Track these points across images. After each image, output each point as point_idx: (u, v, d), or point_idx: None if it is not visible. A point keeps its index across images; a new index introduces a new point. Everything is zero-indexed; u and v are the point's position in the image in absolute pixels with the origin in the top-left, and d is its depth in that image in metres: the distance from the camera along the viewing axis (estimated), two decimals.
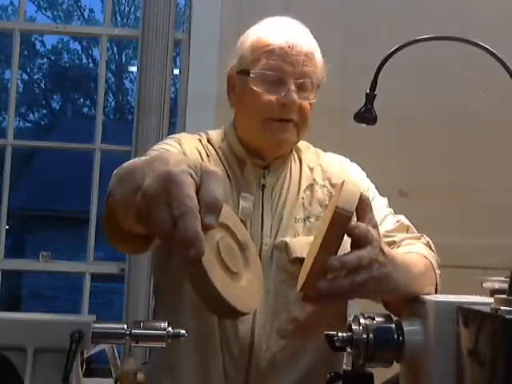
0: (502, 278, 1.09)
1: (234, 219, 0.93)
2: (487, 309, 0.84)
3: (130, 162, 1.02)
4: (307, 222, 1.38)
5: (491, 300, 0.87)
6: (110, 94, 16.34)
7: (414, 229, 1.41)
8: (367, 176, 1.53)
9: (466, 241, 2.46)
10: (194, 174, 0.78)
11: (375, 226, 1.05)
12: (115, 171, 1.06)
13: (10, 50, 2.85)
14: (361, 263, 0.99)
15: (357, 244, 1.01)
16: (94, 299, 3.10)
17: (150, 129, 2.57)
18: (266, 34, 1.38)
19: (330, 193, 1.41)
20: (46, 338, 0.99)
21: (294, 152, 1.47)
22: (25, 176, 12.63)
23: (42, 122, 17.12)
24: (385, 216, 1.40)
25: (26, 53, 15.20)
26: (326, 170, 1.47)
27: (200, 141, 1.45)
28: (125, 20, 16.66)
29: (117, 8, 16.02)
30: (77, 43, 16.76)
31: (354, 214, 1.01)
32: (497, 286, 1.10)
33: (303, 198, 1.40)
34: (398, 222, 1.40)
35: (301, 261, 1.28)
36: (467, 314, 0.89)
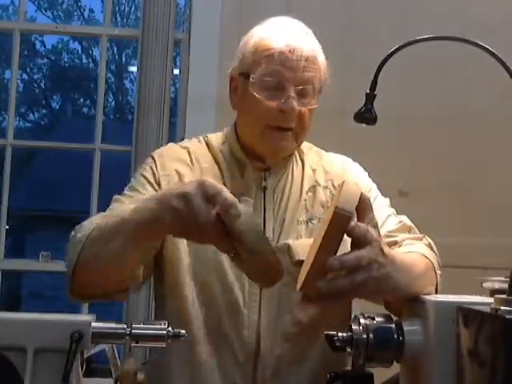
0: (502, 278, 1.09)
1: None
2: (487, 309, 0.84)
3: (95, 224, 1.19)
4: (310, 223, 1.38)
5: (491, 300, 0.87)
6: (110, 94, 16.35)
7: (416, 229, 1.41)
8: (369, 176, 1.53)
9: (466, 241, 2.46)
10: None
11: (375, 227, 1.05)
12: (79, 237, 1.20)
13: (10, 50, 2.85)
14: (360, 263, 1.00)
15: (356, 244, 1.01)
16: None
17: (150, 129, 2.56)
18: (267, 36, 1.35)
19: (333, 194, 1.41)
20: (46, 338, 0.99)
21: (295, 153, 1.46)
22: (25, 176, 12.63)
23: (41, 122, 17.12)
24: (387, 216, 1.40)
25: (25, 53, 15.20)
26: (328, 171, 1.46)
27: (188, 152, 1.42)
28: (125, 20, 16.66)
29: (117, 8, 16.03)
30: (77, 43, 16.77)
31: (355, 214, 1.01)
32: (497, 286, 1.10)
33: (305, 200, 1.40)
34: (400, 222, 1.40)
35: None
36: (467, 314, 0.89)
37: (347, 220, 0.98)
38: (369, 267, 1.00)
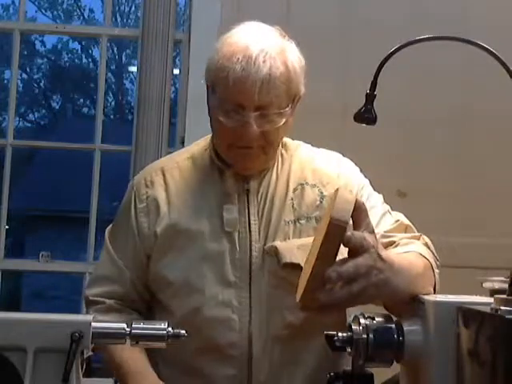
0: (502, 278, 1.09)
1: None
2: (487, 309, 0.84)
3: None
4: (297, 223, 1.36)
5: (491, 300, 0.87)
6: (110, 94, 16.34)
7: (413, 228, 1.39)
8: (361, 171, 1.50)
9: (466, 241, 2.46)
10: None
11: (372, 232, 1.05)
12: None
13: (10, 50, 2.85)
14: (358, 272, 1.00)
15: (354, 252, 1.02)
16: None
17: (150, 129, 2.56)
18: (228, 55, 1.29)
19: (321, 192, 1.39)
20: (46, 337, 0.99)
21: (281, 152, 1.44)
22: (25, 176, 12.63)
23: (41, 122, 17.12)
24: (382, 215, 1.39)
25: (25, 53, 15.20)
26: (317, 168, 1.43)
27: (163, 172, 1.43)
28: (125, 20, 16.66)
29: (117, 8, 16.03)
30: (76, 43, 16.77)
31: (350, 222, 1.01)
32: (497, 286, 1.10)
33: (292, 199, 1.38)
34: (397, 221, 1.38)
35: (292, 266, 1.29)
36: (467, 314, 0.89)
37: (343, 230, 0.98)
38: (367, 274, 1.01)
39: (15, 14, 4.82)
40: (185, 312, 1.32)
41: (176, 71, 2.90)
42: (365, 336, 0.99)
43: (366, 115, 1.28)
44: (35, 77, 17.03)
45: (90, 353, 1.03)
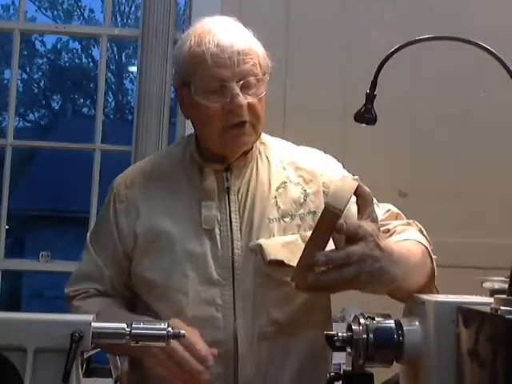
0: (502, 278, 1.09)
1: None
2: (487, 309, 0.84)
3: None
4: (282, 221, 1.37)
5: (491, 300, 0.87)
6: (110, 94, 16.35)
7: (403, 215, 1.41)
8: (344, 167, 1.52)
9: (466, 241, 2.46)
10: None
11: (374, 220, 1.06)
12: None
13: (10, 50, 2.85)
14: (350, 259, 1.01)
15: (350, 240, 1.02)
16: None
17: (150, 129, 2.57)
18: (197, 42, 1.35)
19: (305, 190, 1.40)
20: (46, 338, 0.99)
21: (259, 150, 1.45)
22: (25, 176, 12.63)
23: (41, 122, 17.12)
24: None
25: (25, 53, 15.20)
26: (299, 166, 1.44)
27: (143, 173, 1.45)
28: (125, 20, 16.66)
29: (117, 8, 16.03)
30: (77, 43, 16.77)
31: (346, 209, 1.01)
32: (497, 286, 1.10)
33: (275, 197, 1.38)
34: (388, 211, 1.39)
35: (276, 263, 1.30)
36: (467, 314, 0.89)
37: (336, 217, 0.99)
38: (360, 262, 1.01)
39: (15, 14, 4.82)
40: (169, 313, 1.31)
41: None
42: (365, 336, 0.99)
43: (366, 115, 1.28)
44: (35, 77, 17.04)
45: (91, 352, 1.03)
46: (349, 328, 1.01)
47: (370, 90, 1.27)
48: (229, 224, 1.36)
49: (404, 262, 1.08)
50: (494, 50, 1.19)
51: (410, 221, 1.37)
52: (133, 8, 16.49)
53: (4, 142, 2.79)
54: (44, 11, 16.94)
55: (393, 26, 2.54)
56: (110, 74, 16.15)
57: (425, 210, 2.49)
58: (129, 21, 16.50)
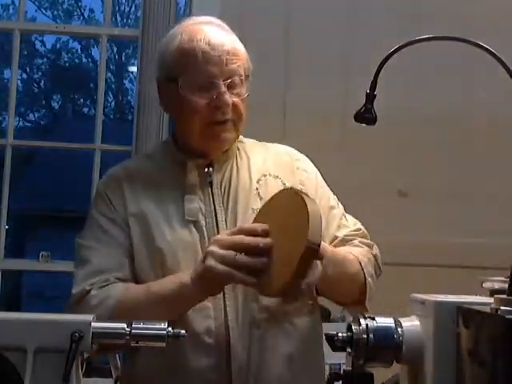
0: (502, 278, 1.09)
1: None
2: (487, 309, 0.84)
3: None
4: None
5: (491, 300, 0.87)
6: (110, 94, 16.35)
7: (368, 236, 1.52)
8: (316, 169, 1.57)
9: (466, 241, 2.46)
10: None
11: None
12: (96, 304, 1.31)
13: (10, 50, 2.84)
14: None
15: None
16: None
17: (150, 129, 2.56)
18: (187, 39, 1.39)
19: (284, 184, 1.44)
20: (46, 337, 0.99)
21: (238, 148, 1.49)
22: (25, 176, 12.63)
23: (41, 122, 17.12)
24: (342, 215, 1.51)
25: (25, 53, 15.20)
26: (277, 161, 1.50)
27: (126, 172, 1.47)
28: (125, 20, 16.66)
29: (117, 8, 16.03)
30: (77, 43, 16.77)
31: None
32: (497, 286, 1.10)
33: (257, 189, 1.43)
34: (359, 230, 1.51)
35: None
36: (467, 314, 0.89)
37: (316, 251, 1.17)
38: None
39: (15, 14, 4.82)
40: None
41: None
42: (365, 336, 0.99)
43: (366, 115, 1.29)
44: (35, 77, 17.04)
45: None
46: (349, 328, 1.02)
47: (369, 89, 1.27)
48: (214, 216, 1.39)
49: (338, 265, 1.33)
50: (493, 50, 1.19)
51: (372, 243, 1.51)
52: (133, 8, 16.50)
53: (4, 141, 2.79)
54: (44, 11, 16.95)
55: (393, 25, 2.54)
56: (109, 74, 16.15)
57: (425, 209, 2.50)
58: (129, 21, 16.50)
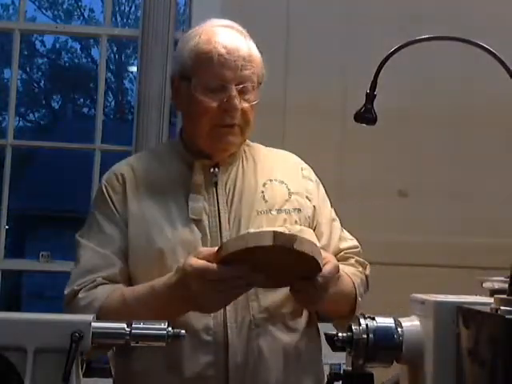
0: (502, 278, 1.09)
1: None
2: (487, 309, 0.84)
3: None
4: (270, 214, 1.42)
5: (491, 300, 0.87)
6: (110, 94, 16.34)
7: (361, 252, 1.54)
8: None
9: (466, 241, 2.46)
10: None
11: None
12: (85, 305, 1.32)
13: (10, 50, 2.84)
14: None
15: None
16: None
17: (150, 129, 2.56)
18: (205, 40, 1.41)
19: (289, 189, 1.46)
20: (46, 338, 0.99)
21: (245, 151, 1.51)
22: (25, 176, 12.63)
23: (41, 122, 17.11)
24: (341, 229, 1.54)
25: (25, 53, 15.19)
26: (283, 167, 1.51)
27: (132, 168, 1.47)
28: (125, 20, 16.66)
29: (117, 8, 16.02)
30: (77, 43, 16.76)
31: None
32: (497, 286, 1.10)
33: (262, 192, 1.44)
34: (356, 247, 1.52)
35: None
36: (467, 314, 0.89)
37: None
38: None
39: (15, 14, 4.82)
40: None
41: None
42: (365, 336, 0.99)
43: (366, 115, 1.29)
44: (35, 77, 17.03)
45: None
46: (349, 328, 1.02)
47: (369, 89, 1.28)
48: (217, 215, 1.40)
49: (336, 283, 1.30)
50: (493, 50, 1.19)
51: (366, 263, 1.51)
52: (133, 8, 16.49)
53: (4, 142, 2.79)
54: (44, 11, 16.94)
55: (393, 25, 2.54)
56: (109, 74, 16.14)
57: (425, 209, 2.50)
58: (129, 21, 16.49)
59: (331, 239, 1.48)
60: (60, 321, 1.02)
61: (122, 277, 1.39)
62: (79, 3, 17.13)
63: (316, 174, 1.57)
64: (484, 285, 1.14)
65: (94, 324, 1.01)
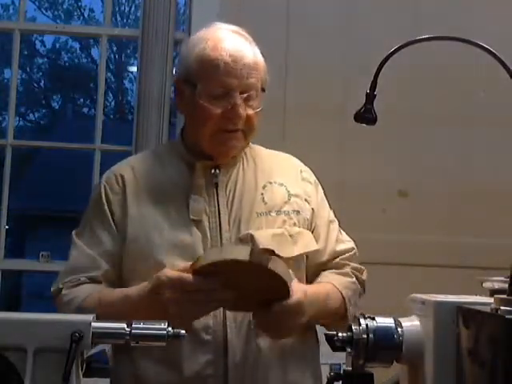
0: (502, 278, 1.09)
1: None
2: (487, 309, 0.84)
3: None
4: (269, 215, 1.42)
5: (491, 300, 0.87)
6: (110, 94, 16.33)
7: (357, 254, 1.54)
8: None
9: (465, 241, 2.46)
10: None
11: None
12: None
13: (10, 50, 2.85)
14: None
15: None
16: None
17: (150, 129, 2.57)
18: (211, 47, 1.41)
19: (289, 191, 1.47)
20: (46, 338, 0.99)
21: (246, 151, 1.51)
22: (25, 176, 12.62)
23: (41, 122, 17.10)
24: (339, 231, 1.54)
25: (25, 53, 15.19)
26: (282, 169, 1.52)
27: (132, 168, 1.48)
28: (125, 20, 16.65)
29: (117, 8, 16.01)
30: (77, 43, 16.75)
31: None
32: (497, 286, 1.10)
33: (262, 194, 1.45)
34: (352, 250, 1.51)
35: (267, 251, 1.32)
36: (467, 314, 0.89)
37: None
38: None
39: (15, 14, 4.82)
40: None
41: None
42: (365, 336, 0.99)
43: (366, 115, 1.29)
44: (35, 77, 17.02)
45: (91, 352, 1.03)
46: (349, 328, 1.02)
47: (369, 89, 1.27)
48: (217, 216, 1.41)
49: (321, 305, 1.37)
50: (493, 50, 1.19)
51: (363, 268, 1.51)
52: (133, 8, 16.47)
53: (4, 141, 2.79)
54: (44, 11, 16.93)
55: (392, 25, 2.54)
56: (109, 74, 16.13)
57: (425, 209, 2.50)
58: (129, 21, 16.48)
59: (328, 242, 1.49)
60: (60, 321, 1.02)
61: (106, 279, 1.40)
62: (79, 3, 17.12)
63: (316, 174, 1.57)
64: (484, 285, 1.14)
65: (93, 324, 1.01)
